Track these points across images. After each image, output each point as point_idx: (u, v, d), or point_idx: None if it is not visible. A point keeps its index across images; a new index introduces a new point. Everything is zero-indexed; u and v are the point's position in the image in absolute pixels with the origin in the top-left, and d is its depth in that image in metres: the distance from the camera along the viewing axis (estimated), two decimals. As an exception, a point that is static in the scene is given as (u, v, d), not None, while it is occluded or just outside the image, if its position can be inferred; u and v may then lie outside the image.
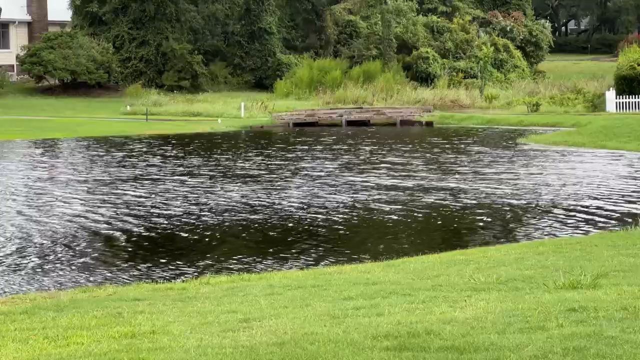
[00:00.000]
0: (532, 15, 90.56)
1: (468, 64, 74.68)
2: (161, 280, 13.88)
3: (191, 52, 72.36)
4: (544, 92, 62.07)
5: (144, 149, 39.50)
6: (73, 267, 16.17)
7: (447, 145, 40.18)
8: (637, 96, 50.32)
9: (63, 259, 16.90)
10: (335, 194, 25.01)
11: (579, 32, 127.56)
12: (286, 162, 33.88)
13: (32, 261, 16.62)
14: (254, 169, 31.59)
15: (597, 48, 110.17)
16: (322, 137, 46.23)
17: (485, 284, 10.54)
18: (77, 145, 43.23)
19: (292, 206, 22.98)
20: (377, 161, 34.02)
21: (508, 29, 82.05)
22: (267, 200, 24.03)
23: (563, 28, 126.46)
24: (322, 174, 29.81)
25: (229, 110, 58.27)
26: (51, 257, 16.97)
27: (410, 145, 40.73)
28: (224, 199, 24.27)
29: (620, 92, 50.90)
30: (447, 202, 23.22)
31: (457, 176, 28.67)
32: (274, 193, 25.27)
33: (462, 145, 40.19)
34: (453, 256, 14.24)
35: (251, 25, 75.49)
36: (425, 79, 72.25)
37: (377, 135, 47.63)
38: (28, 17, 77.65)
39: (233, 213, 22.04)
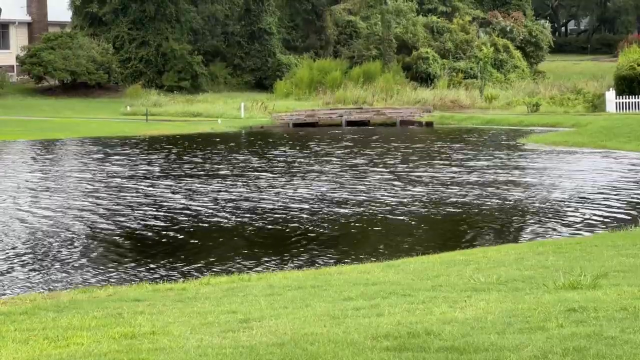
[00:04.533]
0: (532, 15, 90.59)
1: (468, 64, 74.67)
2: (162, 281, 13.87)
3: (191, 52, 72.35)
4: (544, 92, 62.09)
5: (146, 149, 39.50)
6: (73, 267, 16.18)
7: (446, 146, 40.20)
8: (637, 96, 50.31)
9: (64, 258, 16.91)
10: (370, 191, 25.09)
11: (579, 33, 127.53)
12: (307, 160, 33.93)
13: (35, 261, 16.63)
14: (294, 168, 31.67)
15: (597, 48, 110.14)
16: (325, 137, 46.21)
17: (485, 284, 10.54)
18: (76, 145, 43.22)
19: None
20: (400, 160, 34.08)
21: (508, 29, 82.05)
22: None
23: (563, 28, 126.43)
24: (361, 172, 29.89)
25: (228, 110, 58.27)
26: (56, 257, 16.99)
27: (409, 144, 40.81)
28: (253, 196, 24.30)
29: (620, 93, 50.90)
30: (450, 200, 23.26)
31: (455, 173, 28.69)
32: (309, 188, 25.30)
33: (462, 146, 40.18)
34: (453, 256, 14.23)
35: (251, 26, 75.49)
36: (425, 79, 72.24)
37: (380, 135, 47.61)
38: (28, 18, 77.62)
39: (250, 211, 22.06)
